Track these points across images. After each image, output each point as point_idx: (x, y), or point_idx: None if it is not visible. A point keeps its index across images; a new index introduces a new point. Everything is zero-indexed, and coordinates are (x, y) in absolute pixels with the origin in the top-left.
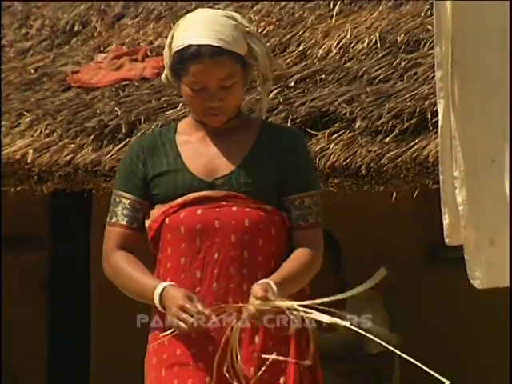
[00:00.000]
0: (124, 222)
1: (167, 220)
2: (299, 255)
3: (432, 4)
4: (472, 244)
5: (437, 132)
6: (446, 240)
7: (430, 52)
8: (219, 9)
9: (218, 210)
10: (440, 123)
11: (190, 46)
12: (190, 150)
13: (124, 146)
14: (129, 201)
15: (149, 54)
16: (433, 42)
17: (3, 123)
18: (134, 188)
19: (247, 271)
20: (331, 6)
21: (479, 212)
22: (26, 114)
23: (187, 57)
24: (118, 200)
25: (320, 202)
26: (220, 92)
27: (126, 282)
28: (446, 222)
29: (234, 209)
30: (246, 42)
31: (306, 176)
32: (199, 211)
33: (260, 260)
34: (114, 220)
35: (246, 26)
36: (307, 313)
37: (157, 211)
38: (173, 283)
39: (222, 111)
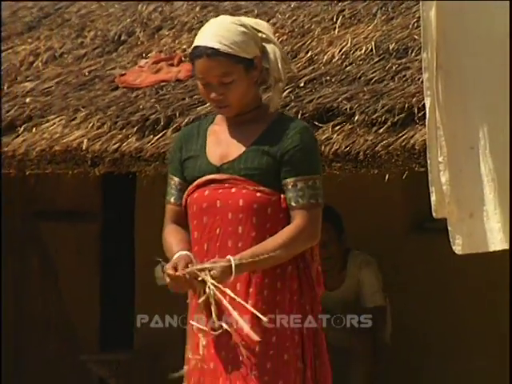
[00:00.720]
0: (173, 200)
1: (188, 199)
2: (284, 232)
3: (419, 18)
4: (454, 217)
5: (422, 124)
6: (434, 214)
7: (417, 58)
8: None
9: (220, 191)
10: (427, 116)
11: (196, 47)
12: (213, 139)
13: (162, 135)
14: (173, 181)
15: (183, 59)
16: (420, 49)
17: (63, 117)
18: (177, 171)
19: (242, 245)
20: (334, 20)
21: (460, 191)
22: (82, 109)
23: (194, 56)
24: (169, 181)
25: (318, 185)
26: (220, 87)
27: (168, 251)
28: (433, 198)
29: (233, 190)
30: (260, 46)
31: (301, 162)
32: (206, 192)
33: (253, 235)
34: (167, 198)
35: (261, 32)
36: (216, 288)
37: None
38: (186, 252)
39: (226, 104)
